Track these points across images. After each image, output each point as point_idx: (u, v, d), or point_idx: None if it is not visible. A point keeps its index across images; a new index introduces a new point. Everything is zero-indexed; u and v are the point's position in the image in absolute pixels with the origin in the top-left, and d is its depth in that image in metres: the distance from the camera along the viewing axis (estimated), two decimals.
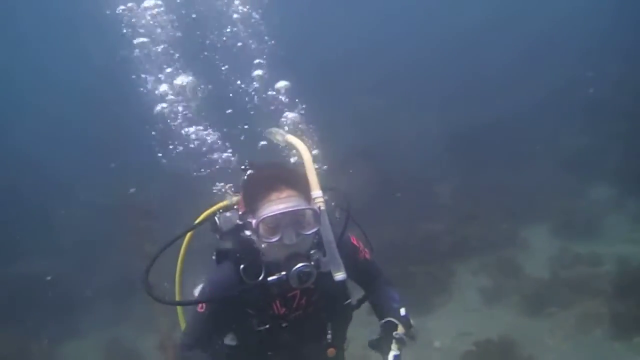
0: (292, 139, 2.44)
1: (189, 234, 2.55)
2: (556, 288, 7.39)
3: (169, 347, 6.14)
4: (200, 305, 2.26)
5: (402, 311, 2.27)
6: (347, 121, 14.01)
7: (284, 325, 2.28)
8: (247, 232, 2.17)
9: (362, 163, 11.30)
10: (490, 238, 9.84)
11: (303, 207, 2.08)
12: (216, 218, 2.45)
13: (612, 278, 6.96)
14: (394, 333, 2.19)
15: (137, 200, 9.27)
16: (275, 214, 2.03)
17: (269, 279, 2.08)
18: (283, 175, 2.15)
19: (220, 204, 2.51)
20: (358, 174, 10.40)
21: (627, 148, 10.72)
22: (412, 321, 2.24)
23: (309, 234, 2.12)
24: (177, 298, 2.70)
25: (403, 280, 7.72)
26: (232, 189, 2.59)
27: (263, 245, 2.13)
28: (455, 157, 13.08)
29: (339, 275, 2.13)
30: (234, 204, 2.45)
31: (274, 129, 2.53)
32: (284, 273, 2.06)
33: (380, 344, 2.24)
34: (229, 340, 2.50)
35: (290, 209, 2.04)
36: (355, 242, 2.48)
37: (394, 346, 2.16)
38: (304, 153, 2.32)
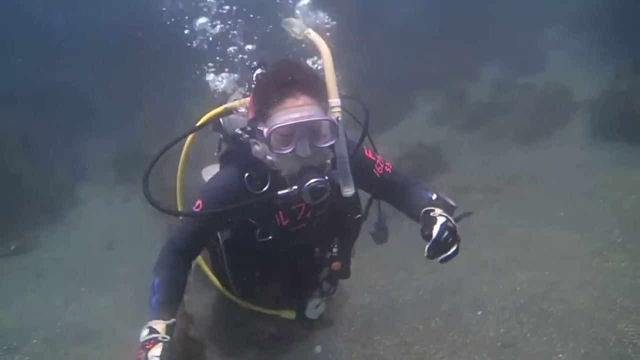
0: (314, 35, 2.07)
1: (190, 137, 2.37)
2: (489, 110, 8.79)
3: None
4: (197, 204, 2.07)
5: (434, 196, 2.09)
6: None
7: (286, 236, 2.17)
8: (256, 141, 1.97)
9: None
10: (450, 70, 11.00)
11: (320, 118, 1.87)
12: (221, 120, 2.30)
13: (533, 100, 8.27)
14: (431, 214, 1.97)
15: None
16: (290, 124, 1.82)
17: (280, 192, 1.92)
18: (300, 79, 1.86)
19: (224, 106, 2.30)
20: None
21: None
22: (447, 199, 2.06)
23: (325, 147, 1.93)
24: (179, 206, 2.57)
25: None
26: (242, 91, 2.35)
27: (273, 156, 1.93)
28: None
29: (348, 191, 1.99)
30: (240, 106, 2.26)
31: (292, 19, 2.15)
32: (295, 187, 1.89)
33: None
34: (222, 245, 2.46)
35: (307, 119, 1.83)
36: (370, 156, 2.26)
37: (438, 218, 1.93)
38: (325, 54, 2.00)
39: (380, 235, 2.70)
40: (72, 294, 5.64)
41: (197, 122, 2.34)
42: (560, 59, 10.25)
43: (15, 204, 7.66)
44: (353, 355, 3.70)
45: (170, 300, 2.04)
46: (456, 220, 2.01)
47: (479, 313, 4.03)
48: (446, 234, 1.85)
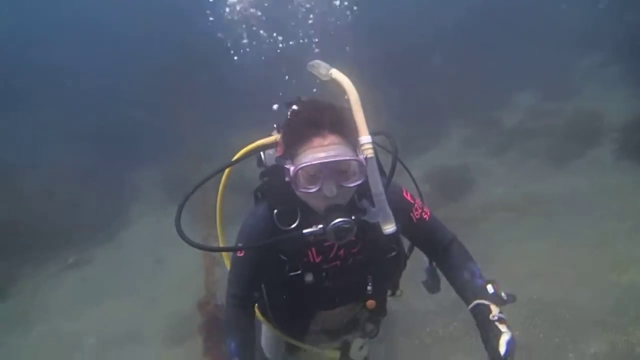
0: (338, 75, 2.07)
1: (227, 171, 2.40)
2: (520, 134, 9.00)
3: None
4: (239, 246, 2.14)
5: (490, 288, 2.02)
6: None
7: (319, 273, 2.15)
8: (285, 177, 1.94)
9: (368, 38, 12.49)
10: (482, 99, 11.28)
11: (346, 158, 1.86)
12: (262, 154, 2.34)
13: (563, 124, 8.45)
14: (490, 317, 1.92)
15: None
16: (315, 163, 1.83)
17: (304, 231, 1.92)
18: (328, 118, 1.87)
19: (262, 141, 2.32)
20: (364, 49, 11.68)
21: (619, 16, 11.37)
22: (502, 294, 1.99)
23: (352, 186, 1.90)
24: (220, 240, 2.59)
25: (402, 134, 9.43)
26: (275, 126, 2.33)
27: (300, 194, 1.94)
28: (464, 29, 13.94)
29: (389, 229, 1.91)
30: (273, 142, 2.26)
31: (317, 62, 2.19)
32: (321, 226, 1.88)
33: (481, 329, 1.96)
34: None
35: (332, 159, 1.82)
36: (409, 198, 2.18)
37: (501, 328, 1.87)
38: (351, 92, 1.97)
39: (433, 283, 2.55)
40: (122, 302, 6.19)
41: (235, 155, 2.39)
42: (591, 86, 10.36)
43: (73, 224, 8.44)
44: (375, 353, 3.99)
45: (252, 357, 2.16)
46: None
47: None
48: (512, 352, 1.79)
